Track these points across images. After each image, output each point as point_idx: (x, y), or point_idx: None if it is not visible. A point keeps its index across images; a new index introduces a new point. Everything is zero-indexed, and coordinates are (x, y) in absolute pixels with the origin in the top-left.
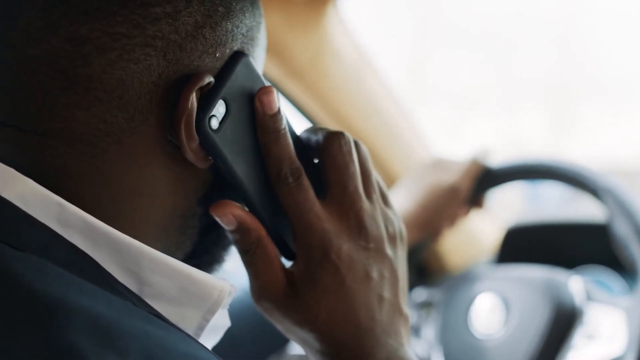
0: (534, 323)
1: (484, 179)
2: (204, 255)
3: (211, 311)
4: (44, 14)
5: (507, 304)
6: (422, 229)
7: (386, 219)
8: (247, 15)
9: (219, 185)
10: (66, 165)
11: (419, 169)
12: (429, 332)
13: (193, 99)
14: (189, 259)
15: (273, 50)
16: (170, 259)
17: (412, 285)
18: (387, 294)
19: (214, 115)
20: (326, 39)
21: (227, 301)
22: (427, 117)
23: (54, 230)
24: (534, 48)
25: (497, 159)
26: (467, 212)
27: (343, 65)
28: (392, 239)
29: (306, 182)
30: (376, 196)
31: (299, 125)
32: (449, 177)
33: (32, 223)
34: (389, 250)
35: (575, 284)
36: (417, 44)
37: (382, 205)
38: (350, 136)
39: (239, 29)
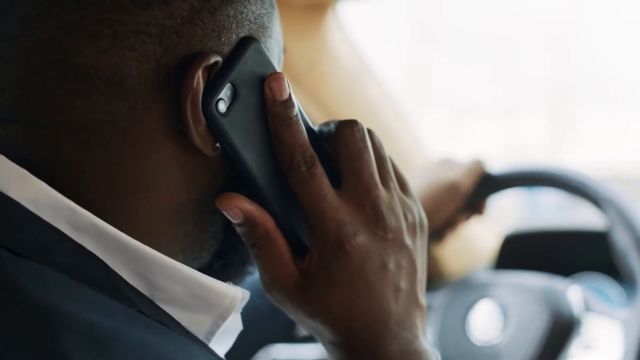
0: (532, 331)
1: (485, 184)
2: (233, 255)
3: (222, 317)
4: (36, 3)
5: (505, 311)
6: None
7: (405, 207)
8: (251, 1)
9: (235, 179)
10: (71, 159)
11: (425, 167)
12: (427, 336)
13: (199, 77)
14: (217, 259)
15: None
16: (181, 265)
17: None
18: (404, 284)
19: (221, 99)
20: (325, 44)
21: (239, 306)
22: (426, 121)
23: (64, 233)
24: (534, 52)
25: (498, 165)
26: (467, 217)
27: (342, 71)
28: (412, 228)
29: (320, 170)
30: (393, 184)
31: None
32: (451, 174)
33: (41, 225)
34: (407, 240)
35: (574, 294)
36: (417, 48)
37: (400, 193)
38: (362, 124)
39: (244, 15)
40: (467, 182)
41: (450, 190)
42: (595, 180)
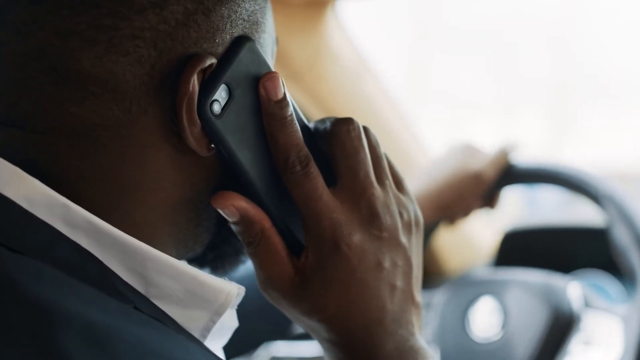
0: (531, 328)
1: (507, 175)
2: (225, 247)
3: (218, 313)
4: (31, 9)
5: (505, 308)
6: (440, 210)
7: (400, 206)
8: None
9: (231, 176)
10: (69, 162)
11: (447, 151)
12: (426, 334)
13: (194, 81)
14: (209, 251)
15: None
16: (176, 261)
17: None
18: (399, 282)
19: (216, 100)
20: (324, 41)
21: (235, 302)
22: (426, 119)
23: (59, 231)
24: (535, 50)
25: (521, 157)
26: (481, 207)
27: (341, 68)
28: (407, 226)
29: (315, 169)
30: (389, 182)
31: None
32: (476, 164)
33: (36, 224)
34: (403, 238)
35: (574, 290)
36: (417, 45)
37: (396, 191)
38: (358, 122)
39: (237, 14)
40: (490, 173)
41: (474, 180)
42: (594, 177)
